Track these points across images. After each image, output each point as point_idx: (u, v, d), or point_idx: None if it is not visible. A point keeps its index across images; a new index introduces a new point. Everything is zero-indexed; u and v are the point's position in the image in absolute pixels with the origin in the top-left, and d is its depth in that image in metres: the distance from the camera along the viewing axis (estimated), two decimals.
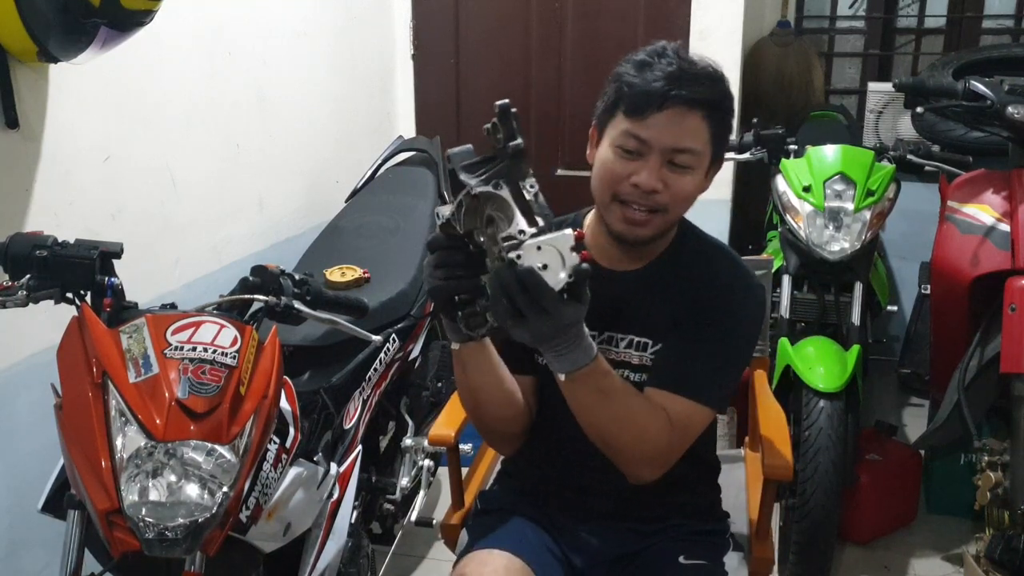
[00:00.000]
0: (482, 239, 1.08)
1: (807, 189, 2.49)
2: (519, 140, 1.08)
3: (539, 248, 1.04)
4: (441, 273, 1.12)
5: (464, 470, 1.78)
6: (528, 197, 1.07)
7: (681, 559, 1.42)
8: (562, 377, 1.19)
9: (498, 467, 1.70)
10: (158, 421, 1.32)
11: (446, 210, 1.11)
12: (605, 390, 1.23)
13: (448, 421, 1.69)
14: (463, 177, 1.09)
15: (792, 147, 2.63)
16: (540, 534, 1.47)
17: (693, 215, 1.50)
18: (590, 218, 1.45)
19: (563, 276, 1.04)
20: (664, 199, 1.29)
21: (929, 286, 2.55)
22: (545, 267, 1.04)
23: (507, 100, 1.09)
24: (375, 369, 2.13)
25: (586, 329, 1.15)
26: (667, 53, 1.29)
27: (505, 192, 1.07)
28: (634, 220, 1.31)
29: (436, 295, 1.15)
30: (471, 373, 1.32)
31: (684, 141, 1.27)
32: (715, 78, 1.30)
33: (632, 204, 1.30)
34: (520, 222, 1.05)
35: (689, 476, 1.48)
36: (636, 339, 1.39)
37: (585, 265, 1.04)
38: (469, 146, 1.11)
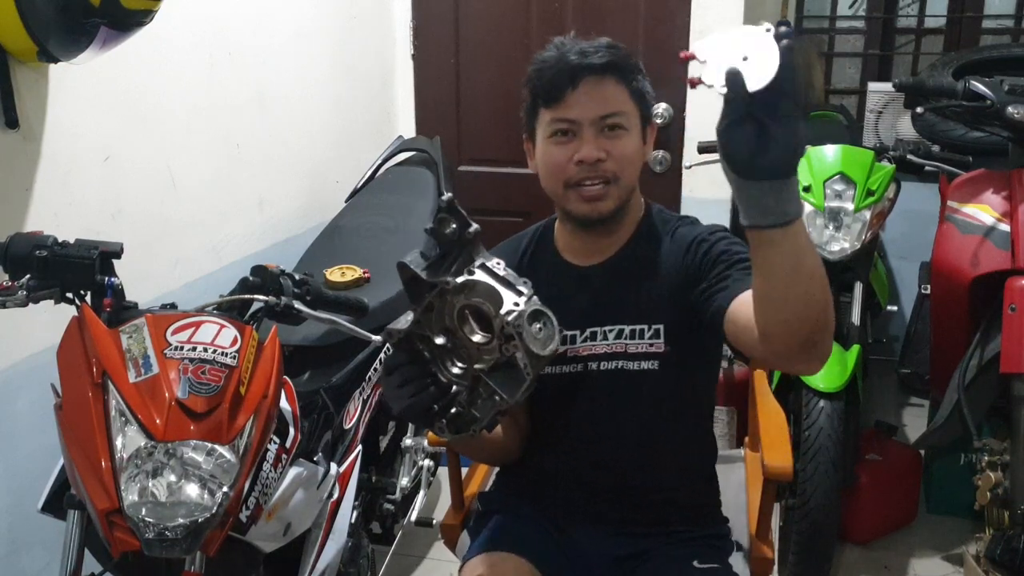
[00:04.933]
0: (458, 335, 1.10)
1: (807, 189, 2.49)
2: (474, 225, 1.10)
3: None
4: (409, 390, 1.12)
5: (464, 470, 1.78)
6: (501, 273, 1.08)
7: (695, 563, 1.42)
8: (801, 217, 1.00)
9: (497, 468, 1.70)
10: (158, 421, 1.32)
11: (401, 324, 1.12)
12: (808, 247, 1.04)
13: None
14: (429, 277, 1.09)
15: None
16: (544, 535, 1.47)
17: (693, 214, 1.51)
18: (557, 225, 1.48)
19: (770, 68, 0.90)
20: (611, 166, 1.33)
21: (929, 286, 2.55)
22: (746, 59, 0.90)
23: (450, 194, 1.12)
24: (375, 369, 2.14)
25: None
26: (563, 42, 1.36)
27: (482, 276, 1.08)
28: (592, 195, 1.34)
29: (411, 413, 1.13)
30: (469, 451, 1.49)
31: (609, 106, 1.33)
32: (613, 45, 1.35)
33: (584, 182, 1.33)
34: (510, 296, 1.06)
35: (687, 479, 1.48)
36: (628, 327, 1.39)
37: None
38: (417, 251, 1.11)
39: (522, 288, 1.07)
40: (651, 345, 1.38)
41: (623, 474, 1.44)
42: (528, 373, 1.06)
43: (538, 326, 1.06)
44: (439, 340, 1.12)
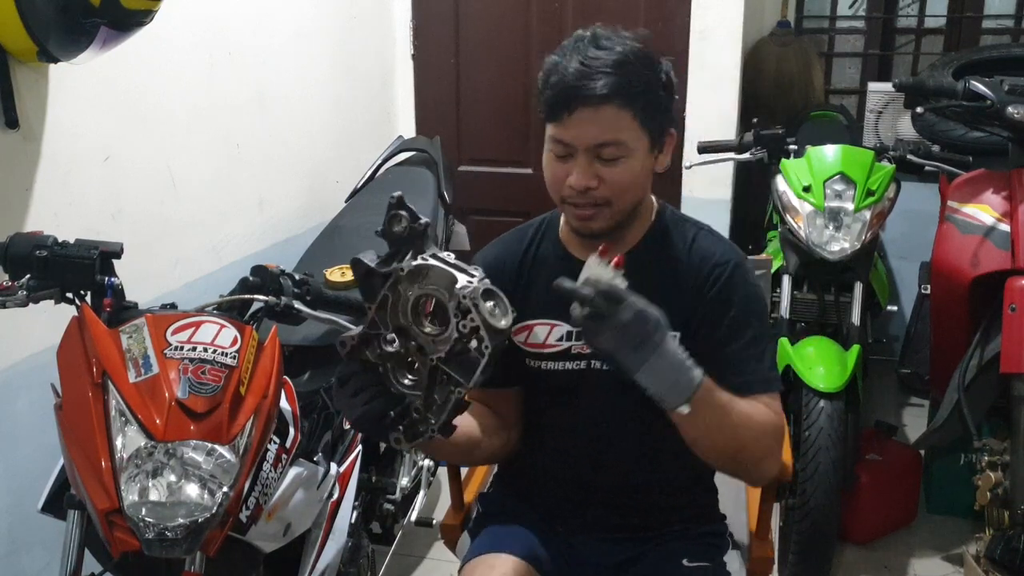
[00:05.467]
0: (412, 331, 1.11)
1: (807, 189, 2.49)
2: (424, 218, 1.14)
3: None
4: (362, 398, 1.12)
5: (464, 471, 1.78)
6: (452, 260, 1.11)
7: (684, 562, 1.41)
8: (685, 410, 1.14)
9: (495, 468, 1.70)
10: (158, 421, 1.32)
11: (353, 332, 1.14)
12: (724, 404, 1.20)
13: None
14: (381, 269, 1.12)
15: (792, 147, 2.63)
16: (544, 538, 1.46)
17: (694, 214, 1.50)
18: (563, 218, 1.45)
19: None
20: (603, 193, 1.29)
21: (929, 286, 2.55)
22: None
23: (399, 192, 1.15)
24: None
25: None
26: (578, 47, 1.29)
27: (434, 261, 1.11)
28: (582, 216, 1.32)
29: (366, 422, 1.13)
30: (439, 454, 1.40)
31: (604, 135, 1.26)
32: (621, 63, 1.25)
33: (575, 203, 1.31)
34: (463, 276, 1.08)
35: (687, 479, 1.47)
36: None
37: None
38: (371, 251, 1.15)
39: (473, 272, 1.09)
40: None
41: (623, 475, 1.43)
42: (486, 348, 1.07)
43: (491, 304, 1.07)
44: (391, 347, 1.12)
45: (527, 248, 1.46)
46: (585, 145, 1.27)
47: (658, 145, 1.33)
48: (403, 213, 1.13)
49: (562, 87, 1.26)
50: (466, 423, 1.37)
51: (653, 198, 1.43)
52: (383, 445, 2.36)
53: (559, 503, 1.48)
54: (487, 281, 1.09)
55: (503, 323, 1.07)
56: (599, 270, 1.09)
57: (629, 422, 1.40)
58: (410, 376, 1.14)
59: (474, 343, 1.07)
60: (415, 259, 1.12)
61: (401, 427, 1.13)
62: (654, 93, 1.29)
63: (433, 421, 1.12)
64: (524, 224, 1.52)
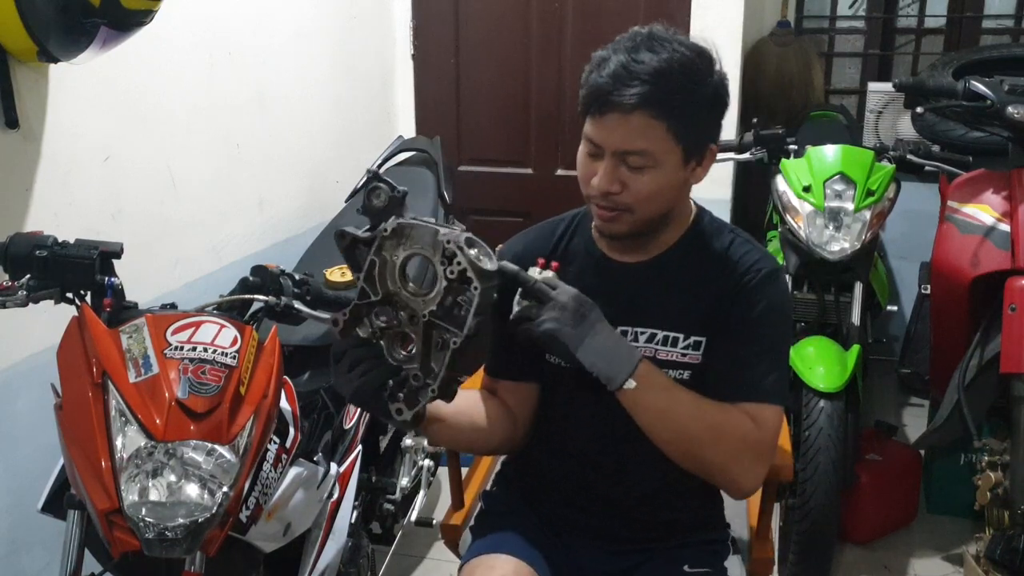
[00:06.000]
0: (401, 296, 1.13)
1: (807, 189, 2.49)
2: (403, 188, 1.16)
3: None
4: (359, 371, 1.11)
5: (464, 470, 1.78)
6: (432, 219, 1.14)
7: (686, 568, 1.40)
8: (631, 384, 1.22)
9: (498, 467, 1.69)
10: (158, 421, 1.32)
11: (342, 312, 1.16)
12: (668, 387, 1.26)
13: None
14: (366, 235, 1.15)
15: (792, 147, 2.63)
16: (545, 541, 1.45)
17: None
18: None
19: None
20: (624, 199, 1.26)
21: (929, 286, 2.55)
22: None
23: (373, 165, 1.21)
24: None
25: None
26: (627, 46, 1.24)
27: (415, 220, 1.13)
28: (603, 217, 1.31)
29: (363, 394, 1.12)
30: (444, 439, 1.37)
31: (632, 143, 1.22)
32: (662, 72, 1.20)
33: (598, 204, 1.30)
34: (443, 230, 1.11)
35: (695, 490, 1.42)
36: (661, 333, 1.34)
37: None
38: (350, 227, 1.18)
39: (454, 226, 1.13)
40: (684, 355, 1.34)
41: (630, 484, 1.40)
42: (475, 288, 1.08)
43: (475, 250, 1.09)
44: (382, 320, 1.14)
45: (557, 242, 1.44)
46: (612, 148, 1.24)
47: (695, 158, 1.29)
48: (381, 185, 1.15)
49: (597, 87, 1.23)
50: (471, 405, 1.37)
51: (693, 203, 1.40)
52: (383, 445, 2.36)
53: (562, 509, 1.46)
54: (469, 232, 1.11)
55: (489, 265, 1.09)
56: (539, 274, 1.24)
57: (641, 429, 1.33)
58: (404, 351, 1.14)
59: (465, 290, 1.09)
60: (399, 221, 1.14)
61: (401, 395, 1.12)
62: (693, 107, 1.24)
63: (432, 384, 1.10)
64: (556, 217, 1.48)
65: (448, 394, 1.13)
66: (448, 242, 1.08)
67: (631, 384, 1.21)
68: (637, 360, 1.23)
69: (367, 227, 1.17)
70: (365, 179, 1.17)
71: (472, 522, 1.60)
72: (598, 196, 1.28)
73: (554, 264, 1.26)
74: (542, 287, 1.21)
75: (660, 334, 1.35)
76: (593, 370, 1.22)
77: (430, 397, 1.11)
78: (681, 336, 1.34)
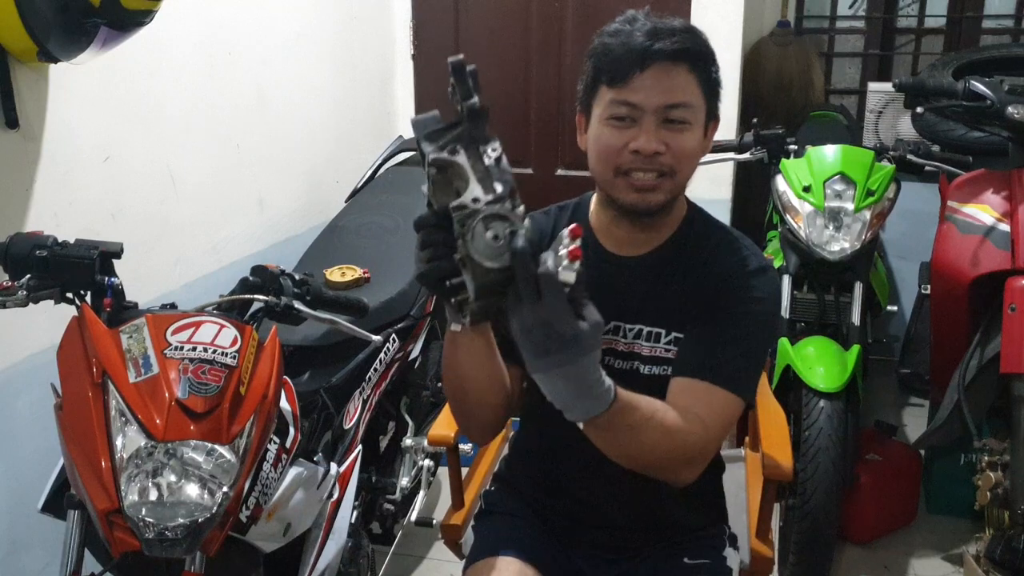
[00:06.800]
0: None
1: (807, 189, 2.49)
2: (475, 99, 0.97)
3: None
4: (426, 254, 1.00)
5: (464, 470, 1.78)
6: (487, 162, 0.95)
7: (685, 559, 1.40)
8: (580, 424, 1.08)
9: (496, 467, 1.69)
10: (158, 421, 1.32)
11: (424, 188, 1.01)
12: (632, 425, 1.11)
13: (448, 421, 1.69)
14: (424, 146, 0.97)
15: (792, 147, 2.63)
16: (545, 540, 1.45)
17: None
18: (594, 202, 1.39)
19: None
20: (668, 160, 1.24)
21: (929, 286, 2.55)
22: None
23: (460, 56, 0.97)
24: (375, 369, 2.14)
25: (601, 371, 1.02)
26: (638, 17, 1.26)
27: (461, 158, 0.95)
28: (644, 186, 1.25)
29: (425, 279, 1.01)
30: (463, 357, 1.22)
31: (675, 96, 1.22)
32: (692, 30, 1.25)
33: (637, 171, 1.25)
34: (475, 189, 0.94)
35: (694, 493, 1.39)
36: (647, 329, 1.33)
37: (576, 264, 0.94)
38: (435, 112, 1.00)
39: (498, 187, 0.94)
40: (668, 351, 1.32)
41: (629, 490, 1.37)
42: (471, 280, 0.94)
43: (491, 234, 0.92)
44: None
45: (554, 229, 1.39)
46: (655, 106, 1.22)
47: (710, 124, 1.30)
48: (455, 85, 0.98)
49: (633, 45, 1.21)
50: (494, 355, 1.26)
51: (685, 198, 1.38)
52: (383, 445, 2.36)
53: (562, 513, 1.45)
54: (505, 207, 0.93)
55: (489, 263, 0.92)
56: (560, 252, 0.94)
57: None
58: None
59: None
60: (444, 149, 0.96)
61: (455, 300, 1.01)
62: (716, 67, 1.28)
63: (469, 306, 0.98)
64: (551, 206, 1.46)
65: (482, 314, 1.00)
66: (458, 216, 0.93)
67: (580, 424, 1.08)
68: (595, 412, 1.05)
69: (442, 125, 0.99)
70: (450, 68, 0.98)
71: (472, 521, 1.60)
72: (639, 162, 1.24)
73: (573, 250, 0.95)
74: (550, 282, 0.92)
75: (646, 330, 1.33)
76: (550, 399, 1.04)
77: (468, 319, 1.00)
78: (663, 331, 1.33)
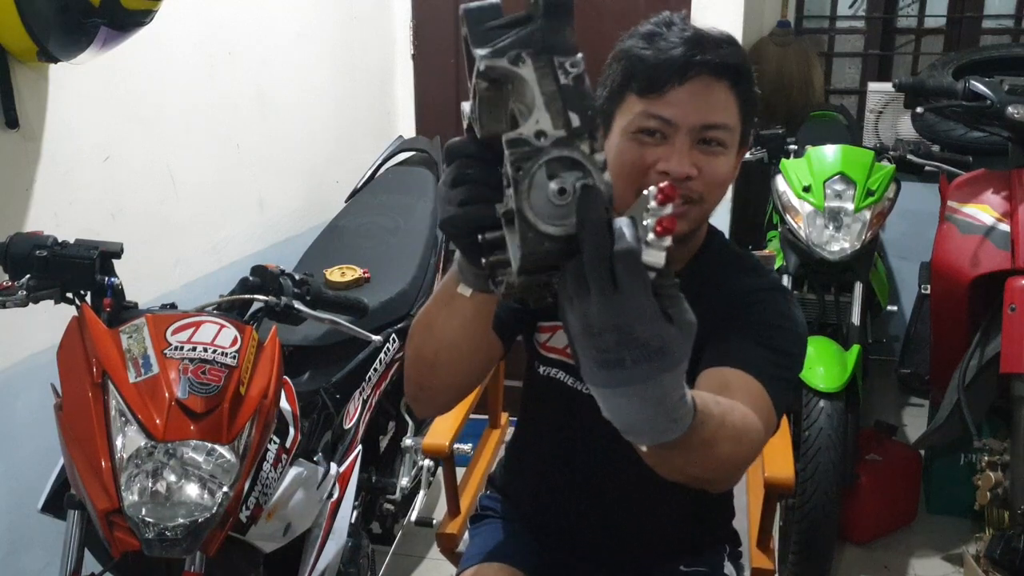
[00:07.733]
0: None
1: (807, 189, 2.49)
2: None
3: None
4: (459, 194, 0.74)
5: (461, 471, 1.77)
6: (563, 80, 0.66)
7: (682, 568, 1.38)
8: (643, 448, 0.79)
9: (493, 468, 1.68)
10: (158, 421, 1.32)
11: (467, 106, 0.75)
12: (707, 440, 0.82)
13: (442, 429, 1.68)
14: (475, 48, 0.67)
15: (792, 147, 2.63)
16: (538, 548, 1.43)
17: None
18: None
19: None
20: (698, 187, 1.10)
21: (929, 286, 2.55)
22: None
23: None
24: (375, 369, 2.14)
25: (685, 387, 0.74)
26: (675, 21, 1.11)
27: (527, 70, 0.65)
28: None
29: (451, 227, 0.76)
30: (455, 323, 0.98)
31: (714, 115, 1.09)
32: (735, 43, 1.12)
33: None
34: (541, 118, 0.65)
35: (699, 512, 1.37)
36: None
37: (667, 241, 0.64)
38: (497, 1, 0.69)
39: (575, 119, 0.65)
40: None
41: (632, 508, 1.33)
42: (519, 246, 0.66)
43: (557, 185, 0.64)
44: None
45: None
46: (691, 125, 1.08)
47: (741, 150, 1.18)
48: None
49: (673, 53, 1.06)
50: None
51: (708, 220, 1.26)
52: (383, 445, 2.36)
53: (556, 520, 1.41)
54: (571, 146, 0.65)
55: (548, 226, 0.64)
56: (646, 223, 0.64)
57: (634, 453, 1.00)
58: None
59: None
60: (504, 55, 0.66)
61: (487, 260, 0.73)
62: (754, 90, 1.13)
63: (508, 281, 0.70)
64: None
65: (511, 299, 0.74)
66: (507, 157, 0.65)
67: (642, 448, 0.80)
68: (670, 437, 0.76)
69: (504, 20, 0.68)
70: None
71: (469, 524, 1.59)
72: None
73: (667, 219, 0.64)
74: (632, 265, 0.63)
75: None
76: (608, 417, 0.75)
77: (501, 290, 0.73)
78: None
